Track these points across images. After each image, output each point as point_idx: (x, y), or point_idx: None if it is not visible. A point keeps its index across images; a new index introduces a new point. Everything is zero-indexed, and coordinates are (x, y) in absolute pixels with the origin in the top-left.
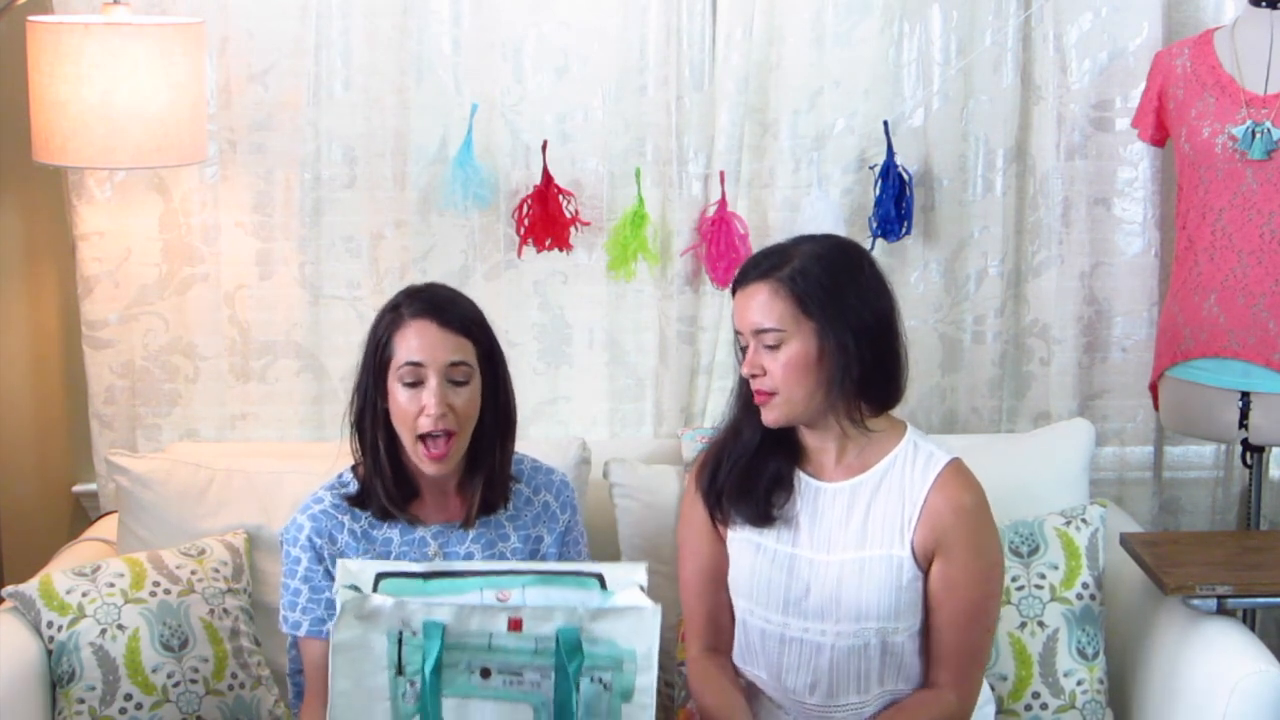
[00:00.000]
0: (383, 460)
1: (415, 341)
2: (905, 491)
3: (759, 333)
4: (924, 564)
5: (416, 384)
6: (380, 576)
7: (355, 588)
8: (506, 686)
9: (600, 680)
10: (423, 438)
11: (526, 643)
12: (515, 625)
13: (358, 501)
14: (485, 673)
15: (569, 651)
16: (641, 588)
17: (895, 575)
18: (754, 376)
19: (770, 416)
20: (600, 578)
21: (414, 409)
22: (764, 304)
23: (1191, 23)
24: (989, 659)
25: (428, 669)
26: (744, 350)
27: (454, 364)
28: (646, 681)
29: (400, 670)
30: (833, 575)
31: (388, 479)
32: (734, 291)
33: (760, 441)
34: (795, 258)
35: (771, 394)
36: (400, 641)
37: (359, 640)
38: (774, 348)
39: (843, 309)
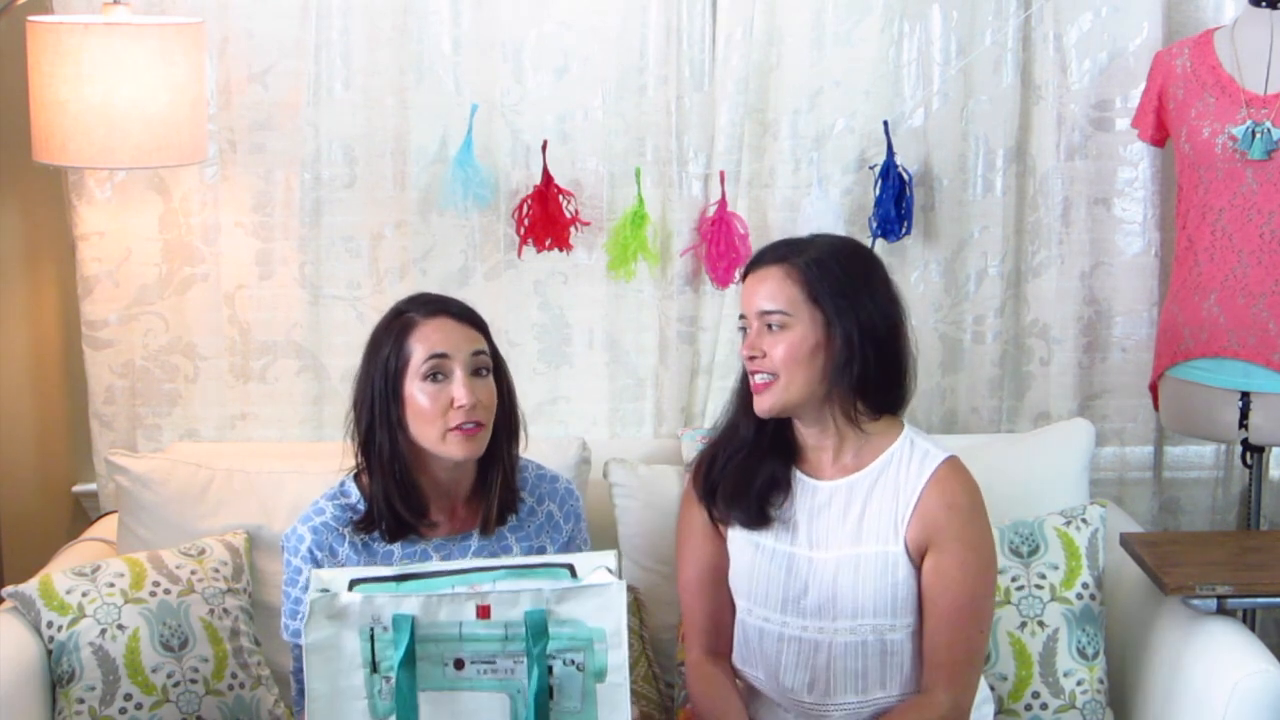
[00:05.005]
0: (397, 473)
1: (436, 336)
2: (900, 488)
3: (764, 314)
4: (917, 560)
5: (440, 379)
6: (354, 583)
7: (327, 591)
8: (481, 676)
9: (572, 662)
10: (453, 428)
11: (496, 629)
12: (484, 612)
13: (363, 526)
14: (459, 664)
15: (536, 634)
16: (609, 570)
17: (890, 572)
18: (752, 359)
19: (765, 403)
20: (570, 568)
21: (440, 404)
22: (774, 287)
23: (1191, 23)
24: (984, 661)
25: (399, 660)
26: (745, 334)
27: (476, 353)
28: (618, 659)
29: (375, 668)
30: (829, 573)
31: (409, 490)
32: (744, 277)
33: (756, 440)
34: (811, 248)
35: (769, 379)
36: (372, 639)
37: (331, 640)
38: (777, 331)
39: (852, 304)
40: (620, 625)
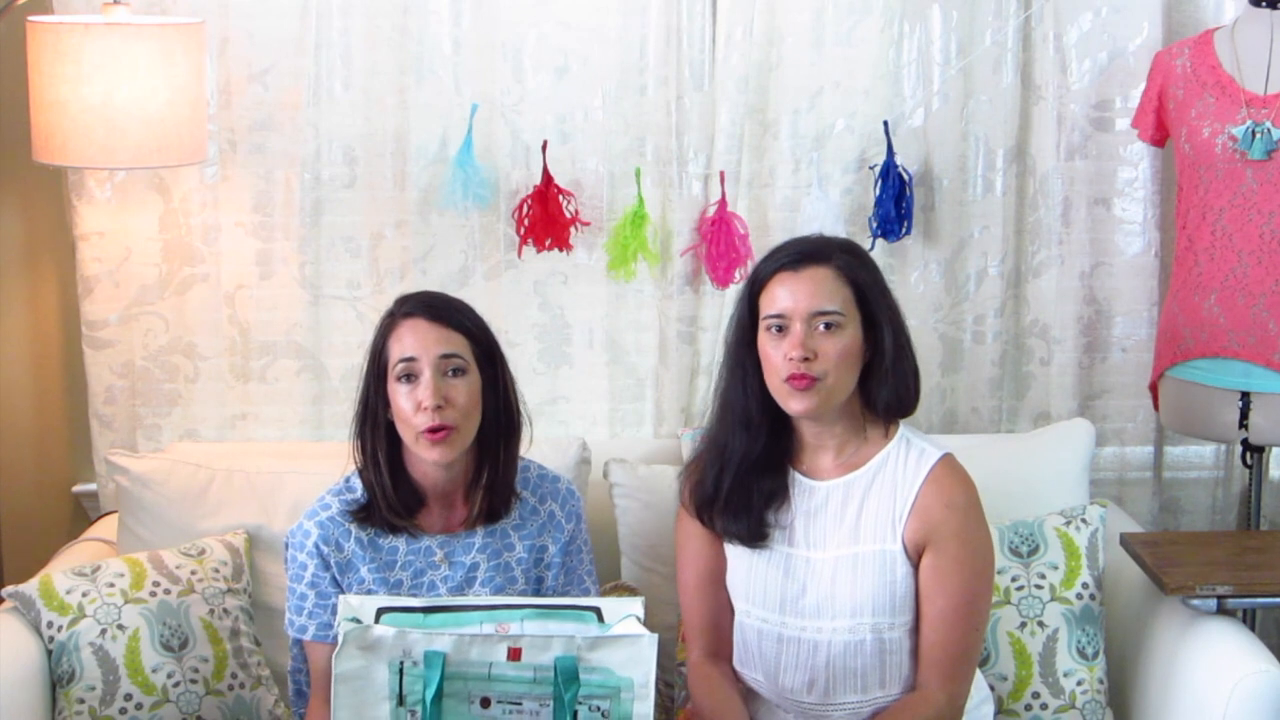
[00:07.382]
0: (383, 470)
1: (408, 338)
2: (897, 487)
3: (820, 314)
4: (915, 558)
5: (412, 380)
6: (381, 611)
7: (357, 620)
8: (506, 715)
9: (598, 709)
10: (421, 431)
11: (525, 672)
12: (515, 655)
13: (363, 516)
14: (485, 702)
15: (566, 680)
16: (638, 619)
17: (888, 570)
18: (805, 360)
19: (807, 403)
20: (598, 611)
21: (411, 405)
22: (830, 286)
23: (1191, 23)
24: (979, 659)
25: (428, 697)
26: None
27: (446, 355)
28: (644, 710)
29: (401, 701)
30: (827, 572)
31: (388, 489)
32: (771, 275)
33: (750, 455)
34: (843, 248)
35: (816, 379)
36: (401, 671)
37: (361, 671)
38: (832, 332)
39: (885, 307)
40: (649, 677)
